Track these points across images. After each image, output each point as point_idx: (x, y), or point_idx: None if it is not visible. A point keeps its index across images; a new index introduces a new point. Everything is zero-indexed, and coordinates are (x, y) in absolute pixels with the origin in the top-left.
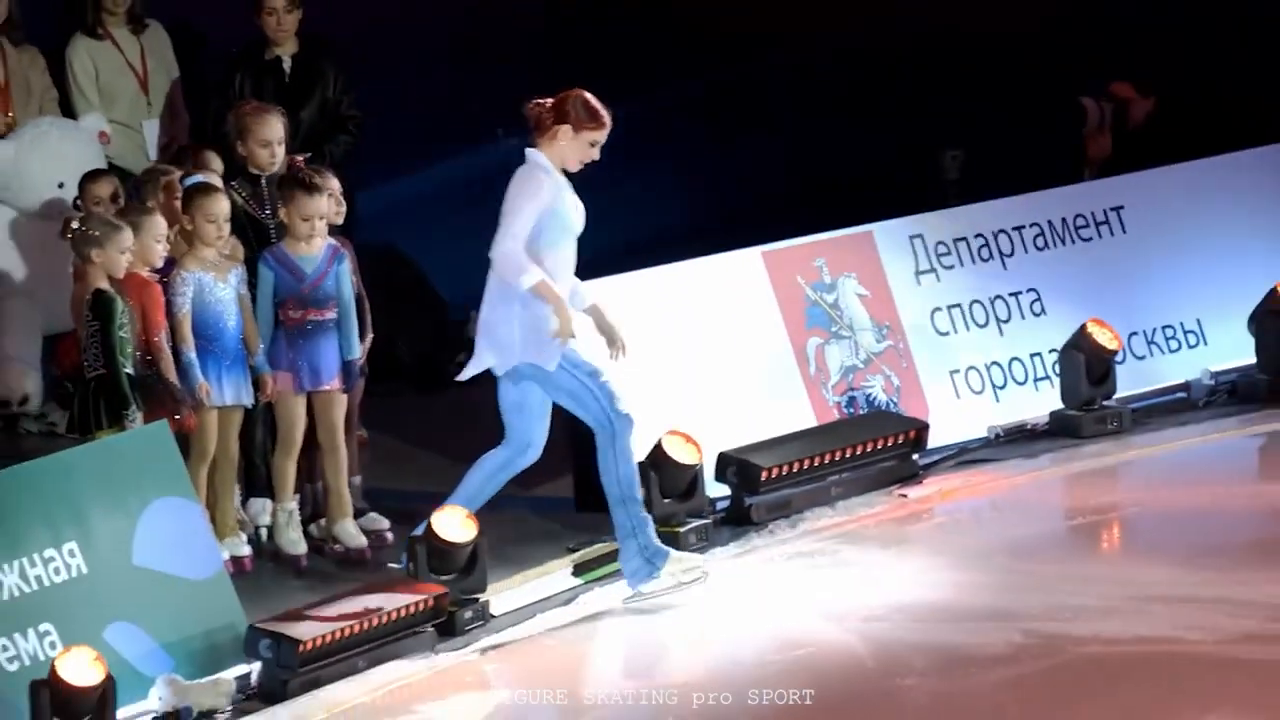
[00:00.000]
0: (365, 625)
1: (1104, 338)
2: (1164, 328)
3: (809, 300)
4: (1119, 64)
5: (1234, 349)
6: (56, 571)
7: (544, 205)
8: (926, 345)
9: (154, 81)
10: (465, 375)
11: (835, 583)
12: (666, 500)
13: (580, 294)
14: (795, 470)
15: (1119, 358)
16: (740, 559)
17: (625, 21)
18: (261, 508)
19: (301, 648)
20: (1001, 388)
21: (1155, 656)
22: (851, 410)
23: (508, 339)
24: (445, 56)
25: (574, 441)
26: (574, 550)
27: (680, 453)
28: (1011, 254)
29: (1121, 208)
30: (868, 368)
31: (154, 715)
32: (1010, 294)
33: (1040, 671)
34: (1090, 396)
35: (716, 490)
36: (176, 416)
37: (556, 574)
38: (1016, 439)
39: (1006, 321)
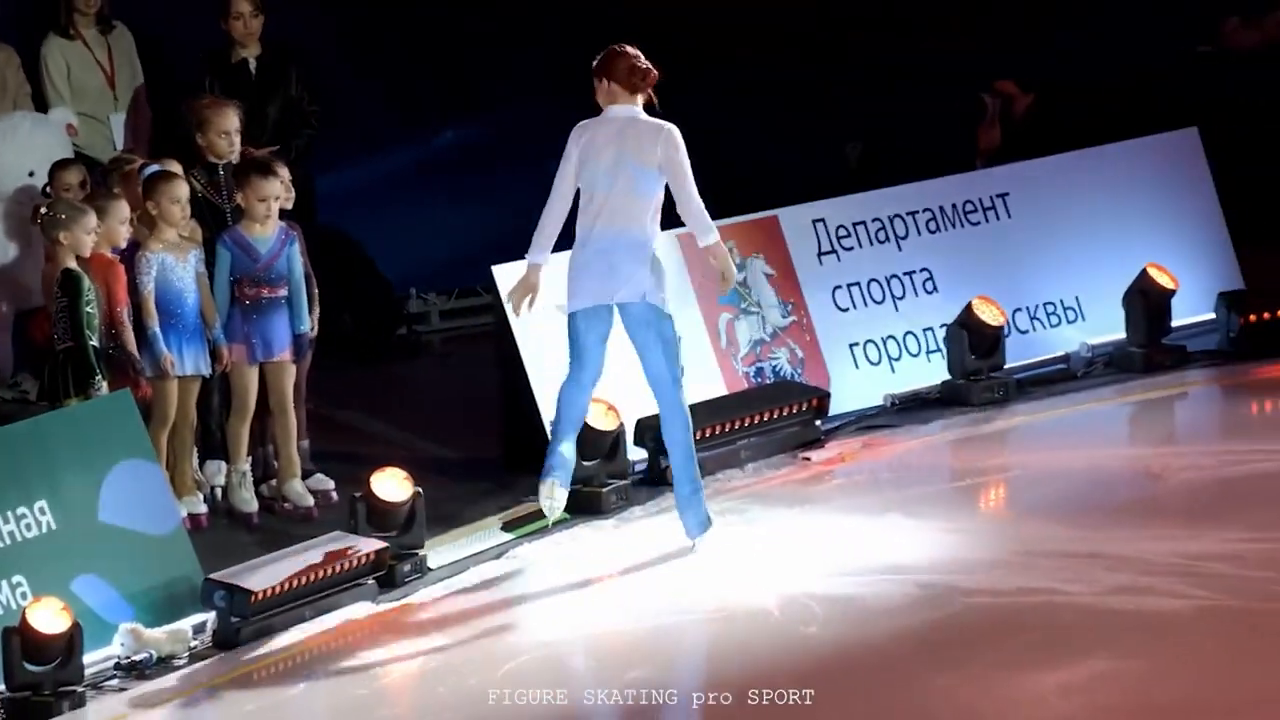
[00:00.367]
0: (312, 578)
1: (988, 314)
2: (1045, 304)
3: None
4: (1003, 61)
5: (1109, 324)
6: (28, 528)
7: None
8: (828, 320)
9: (120, 78)
10: (585, 305)
11: (744, 539)
12: (588, 463)
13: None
14: (708, 435)
15: (1005, 331)
16: (656, 517)
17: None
18: (217, 469)
19: (253, 598)
20: (897, 359)
21: (1038, 606)
22: (759, 380)
23: (657, 277)
24: (387, 59)
25: (504, 403)
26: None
27: (599, 420)
28: (906, 236)
29: (1007, 194)
30: (774, 341)
31: (117, 660)
32: (905, 273)
33: (932, 621)
34: (974, 368)
35: (636, 454)
36: (134, 387)
37: (488, 530)
38: (910, 407)
39: (901, 299)
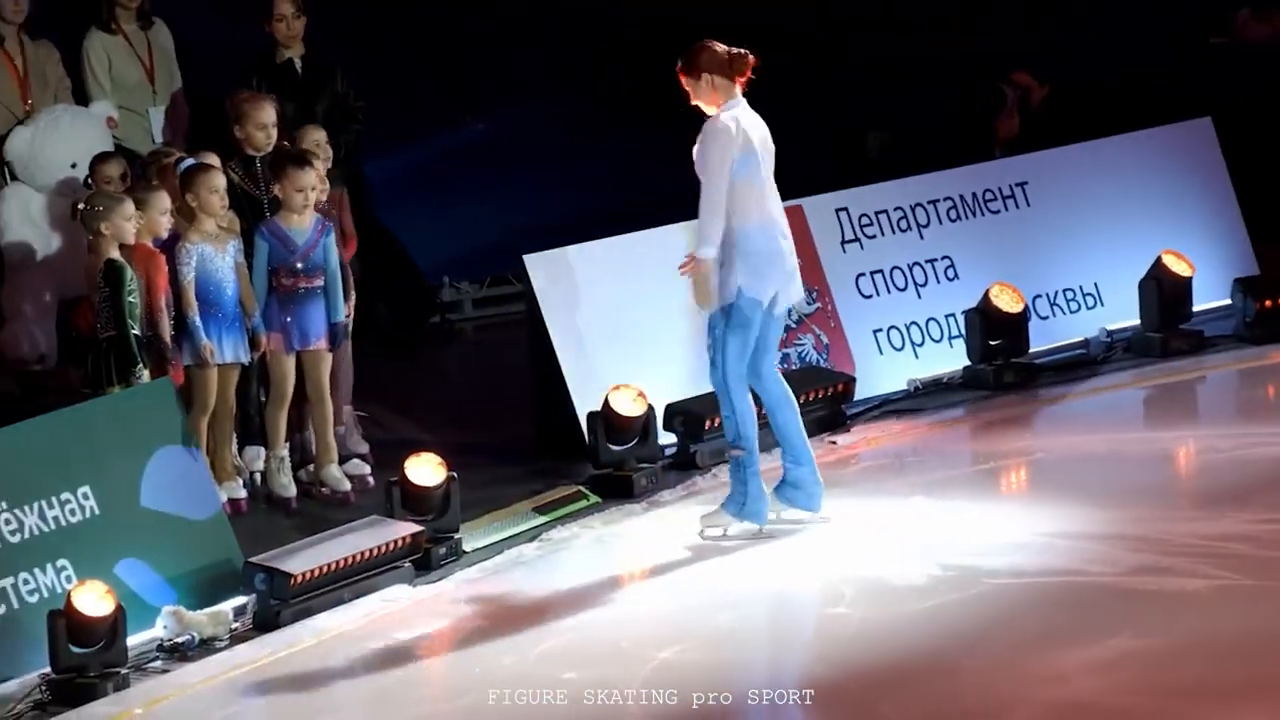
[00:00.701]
0: (350, 561)
1: (1005, 301)
2: (1065, 290)
3: None
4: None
5: (1128, 309)
6: (72, 513)
7: None
8: (852, 307)
9: (159, 73)
10: (769, 294)
11: (772, 521)
12: (615, 448)
13: None
14: None
15: (1027, 316)
16: (686, 500)
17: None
18: (256, 455)
19: (293, 581)
20: (920, 345)
21: (1060, 586)
22: (785, 365)
23: None
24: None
25: (536, 389)
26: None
27: (624, 405)
28: (928, 225)
29: (1026, 183)
30: (800, 327)
31: (160, 642)
32: (926, 261)
33: (956, 601)
34: (993, 353)
35: (666, 438)
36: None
37: (522, 513)
38: (934, 391)
39: (924, 285)
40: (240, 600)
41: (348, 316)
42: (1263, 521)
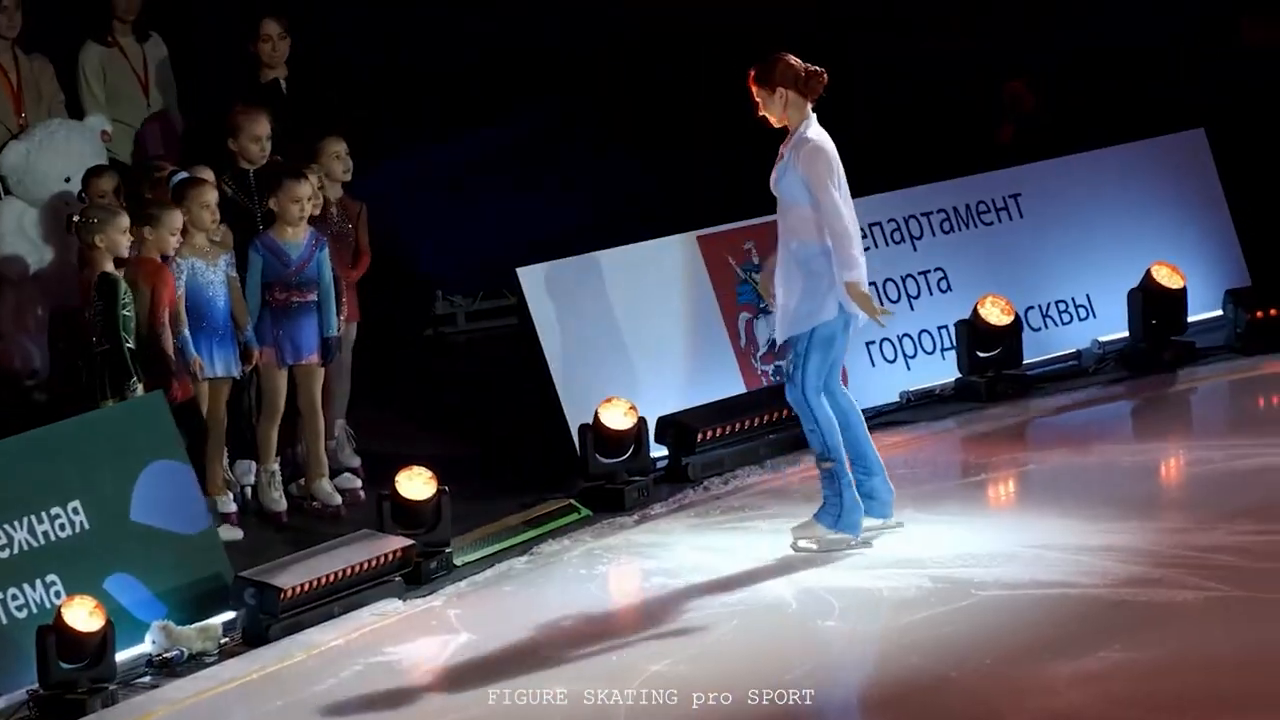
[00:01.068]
0: (340, 575)
1: (993, 313)
2: (1057, 302)
3: (739, 278)
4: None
5: (1120, 321)
6: (62, 528)
7: None
8: None
9: (154, 86)
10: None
11: (763, 533)
12: (606, 460)
13: None
14: (727, 432)
15: (1019, 329)
16: (677, 513)
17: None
18: (247, 469)
19: (282, 595)
20: (912, 357)
21: (1051, 598)
22: (778, 378)
23: None
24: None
25: (527, 402)
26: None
27: (614, 419)
28: (921, 236)
29: (1019, 195)
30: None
31: (149, 657)
32: (919, 272)
33: (946, 613)
34: (984, 364)
35: (657, 451)
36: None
37: (513, 527)
38: (925, 403)
39: (916, 297)
40: (230, 615)
41: (342, 329)
42: (1254, 533)
